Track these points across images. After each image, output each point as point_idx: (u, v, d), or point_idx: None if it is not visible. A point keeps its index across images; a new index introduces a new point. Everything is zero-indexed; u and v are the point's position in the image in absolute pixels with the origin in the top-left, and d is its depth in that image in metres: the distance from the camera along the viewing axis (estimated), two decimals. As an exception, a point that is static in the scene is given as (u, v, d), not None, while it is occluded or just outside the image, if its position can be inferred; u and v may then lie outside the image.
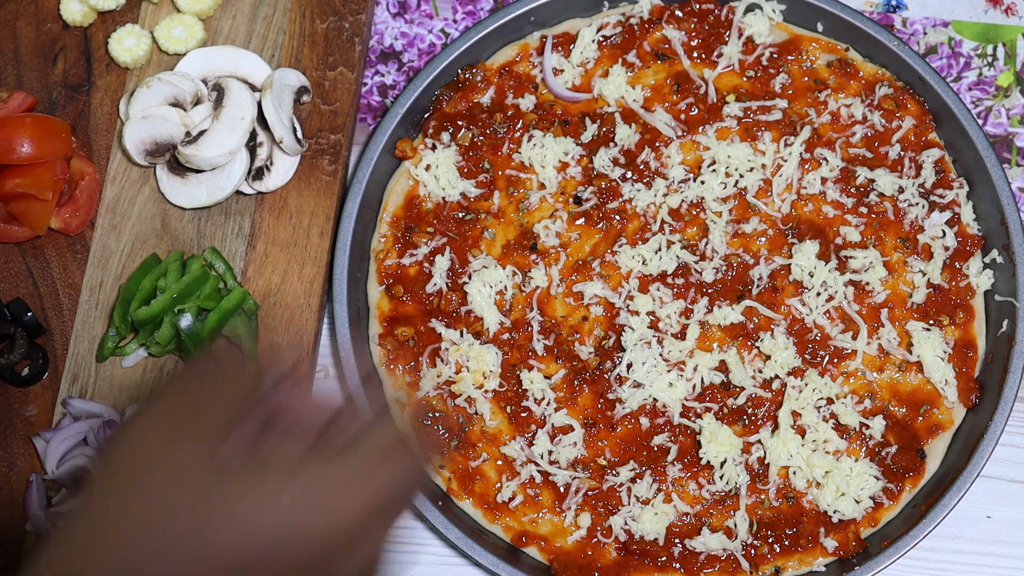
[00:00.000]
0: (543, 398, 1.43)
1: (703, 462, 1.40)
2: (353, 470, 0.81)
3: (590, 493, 1.40)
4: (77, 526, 0.77)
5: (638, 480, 1.39)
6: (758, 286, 1.46)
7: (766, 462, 1.40)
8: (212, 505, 0.77)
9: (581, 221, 1.50)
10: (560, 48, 1.57)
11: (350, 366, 1.41)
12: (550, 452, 1.41)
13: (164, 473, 0.78)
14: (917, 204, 1.48)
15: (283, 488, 0.78)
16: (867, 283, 1.45)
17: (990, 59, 1.64)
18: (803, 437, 1.40)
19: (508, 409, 1.43)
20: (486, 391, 1.44)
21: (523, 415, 1.42)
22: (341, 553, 0.80)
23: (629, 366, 1.42)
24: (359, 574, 0.83)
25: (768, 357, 1.43)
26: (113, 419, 1.40)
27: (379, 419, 0.86)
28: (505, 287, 1.47)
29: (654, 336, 1.44)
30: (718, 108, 1.53)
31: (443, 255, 1.47)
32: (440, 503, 1.38)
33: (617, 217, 1.49)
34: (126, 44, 1.55)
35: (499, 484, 1.41)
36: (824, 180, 1.50)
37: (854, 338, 1.44)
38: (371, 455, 0.82)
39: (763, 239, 1.48)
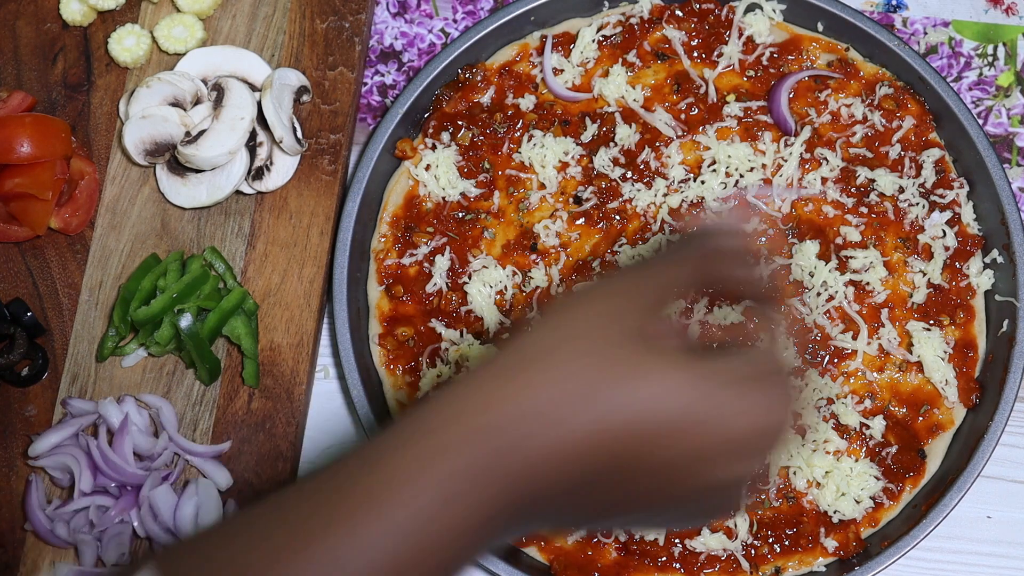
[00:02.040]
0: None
1: (703, 462, 1.39)
2: (756, 397, 0.82)
3: (590, 493, 1.39)
4: (499, 359, 0.80)
5: (638, 480, 1.39)
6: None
7: (766, 462, 1.40)
8: (625, 371, 0.78)
9: (581, 221, 1.50)
10: (560, 48, 1.57)
11: (350, 366, 1.41)
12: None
13: (592, 338, 0.79)
14: (917, 204, 1.48)
15: (687, 384, 0.78)
16: (867, 283, 1.45)
17: (990, 59, 1.64)
18: (803, 437, 1.40)
19: (508, 409, 1.43)
20: (486, 391, 1.43)
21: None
22: (708, 470, 0.80)
23: (629, 366, 1.42)
24: (711, 505, 0.85)
25: (768, 357, 1.43)
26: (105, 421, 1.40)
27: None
28: (505, 287, 1.47)
29: (654, 336, 1.43)
30: (718, 108, 1.53)
31: (443, 255, 1.47)
32: (440, 503, 1.38)
33: (617, 217, 1.49)
34: (126, 44, 1.55)
35: (499, 484, 1.41)
36: (824, 180, 1.49)
37: (854, 338, 1.43)
38: (777, 388, 0.84)
39: (763, 239, 1.48)
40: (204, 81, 1.53)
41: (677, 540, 1.38)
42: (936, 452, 1.41)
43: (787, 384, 0.86)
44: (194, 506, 1.36)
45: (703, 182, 1.49)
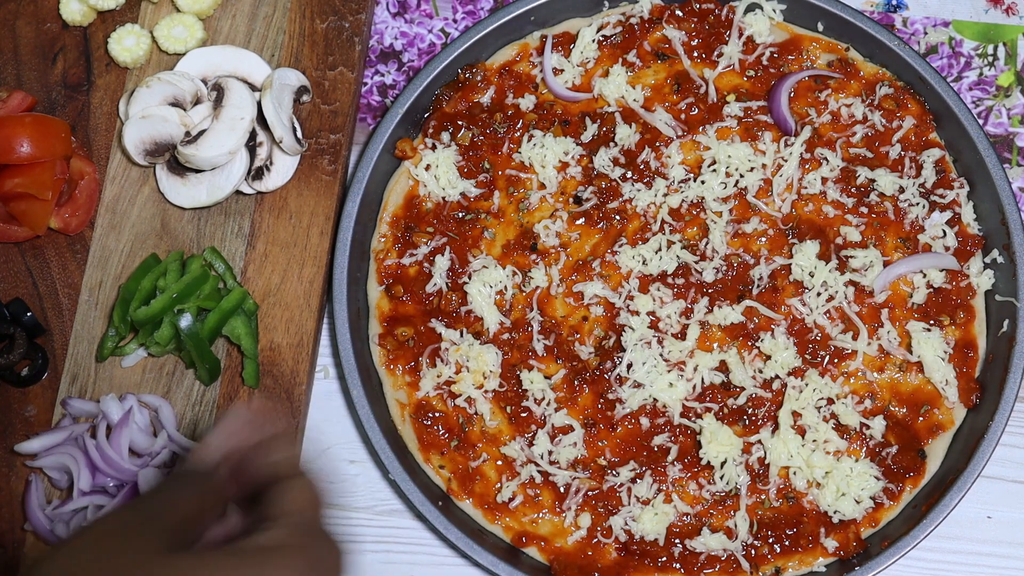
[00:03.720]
0: (543, 398, 1.42)
1: (703, 462, 1.39)
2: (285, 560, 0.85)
3: (590, 493, 1.40)
4: None
5: (638, 480, 1.39)
6: (758, 286, 1.46)
7: (766, 462, 1.40)
8: None
9: (581, 221, 1.50)
10: (560, 48, 1.56)
11: (350, 366, 1.41)
12: (550, 452, 1.41)
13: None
14: (917, 204, 1.48)
15: None
16: (868, 288, 1.45)
17: (991, 59, 1.64)
18: (803, 437, 1.40)
19: (508, 409, 1.43)
20: (486, 391, 1.43)
21: (523, 415, 1.42)
22: None
23: (629, 366, 1.42)
24: None
25: (768, 357, 1.43)
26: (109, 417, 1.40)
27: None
28: (505, 287, 1.47)
29: (654, 336, 1.44)
30: (718, 108, 1.53)
31: (443, 255, 1.47)
32: (440, 503, 1.38)
33: (617, 217, 1.49)
34: (126, 44, 1.55)
35: (499, 484, 1.41)
36: (824, 180, 1.49)
37: (854, 338, 1.43)
38: None
39: (763, 239, 1.48)
40: (204, 81, 1.53)
41: (677, 540, 1.38)
42: (936, 452, 1.41)
43: (330, 542, 0.89)
44: None
45: (703, 182, 1.49)
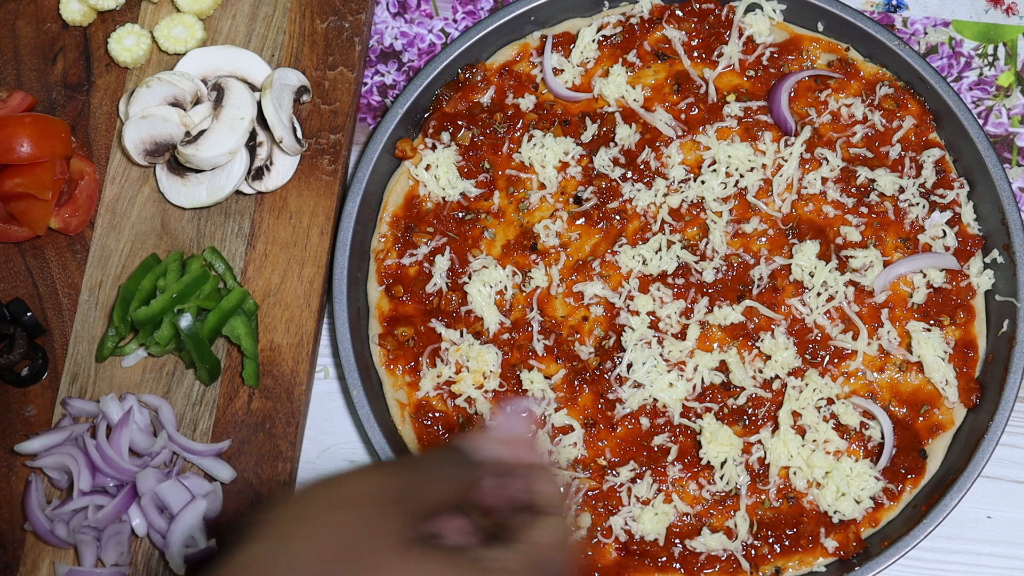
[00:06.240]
0: (543, 398, 1.43)
1: (703, 462, 1.39)
2: None
3: (590, 493, 1.40)
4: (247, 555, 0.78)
5: (638, 480, 1.39)
6: (758, 286, 1.46)
7: (766, 462, 1.40)
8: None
9: (581, 221, 1.50)
10: (560, 48, 1.56)
11: (350, 366, 1.41)
12: (550, 452, 1.40)
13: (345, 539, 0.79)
14: (918, 204, 1.48)
15: None
16: (868, 287, 1.45)
17: (991, 59, 1.64)
18: (803, 437, 1.40)
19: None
20: (486, 391, 1.43)
21: (523, 415, 1.42)
22: None
23: (629, 366, 1.42)
24: None
25: (768, 357, 1.43)
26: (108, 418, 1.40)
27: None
28: (505, 287, 1.47)
29: (654, 336, 1.44)
30: (718, 108, 1.53)
31: (443, 255, 1.47)
32: (440, 503, 1.38)
33: (617, 217, 1.49)
34: (126, 44, 1.55)
35: (499, 484, 1.41)
36: (824, 180, 1.49)
37: (854, 338, 1.43)
38: None
39: (763, 239, 1.48)
40: (204, 81, 1.53)
41: (677, 540, 1.38)
42: (936, 452, 1.41)
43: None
44: (204, 504, 1.36)
45: (703, 182, 1.49)
